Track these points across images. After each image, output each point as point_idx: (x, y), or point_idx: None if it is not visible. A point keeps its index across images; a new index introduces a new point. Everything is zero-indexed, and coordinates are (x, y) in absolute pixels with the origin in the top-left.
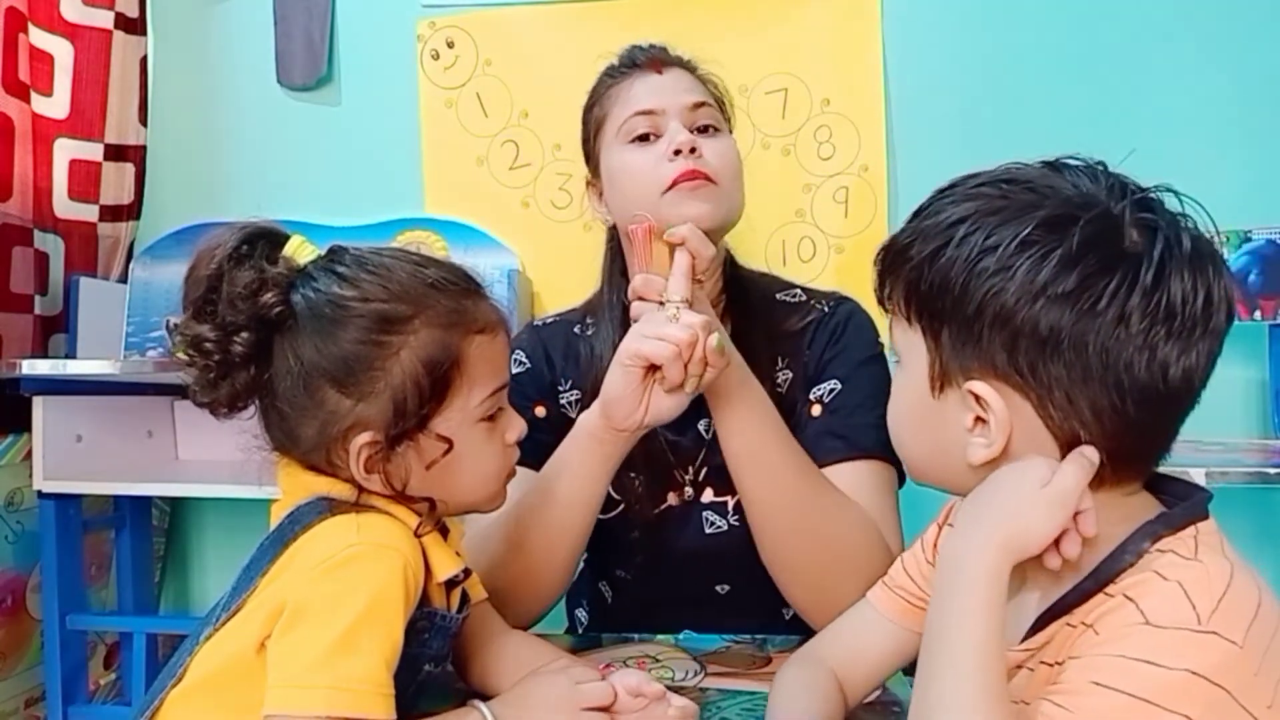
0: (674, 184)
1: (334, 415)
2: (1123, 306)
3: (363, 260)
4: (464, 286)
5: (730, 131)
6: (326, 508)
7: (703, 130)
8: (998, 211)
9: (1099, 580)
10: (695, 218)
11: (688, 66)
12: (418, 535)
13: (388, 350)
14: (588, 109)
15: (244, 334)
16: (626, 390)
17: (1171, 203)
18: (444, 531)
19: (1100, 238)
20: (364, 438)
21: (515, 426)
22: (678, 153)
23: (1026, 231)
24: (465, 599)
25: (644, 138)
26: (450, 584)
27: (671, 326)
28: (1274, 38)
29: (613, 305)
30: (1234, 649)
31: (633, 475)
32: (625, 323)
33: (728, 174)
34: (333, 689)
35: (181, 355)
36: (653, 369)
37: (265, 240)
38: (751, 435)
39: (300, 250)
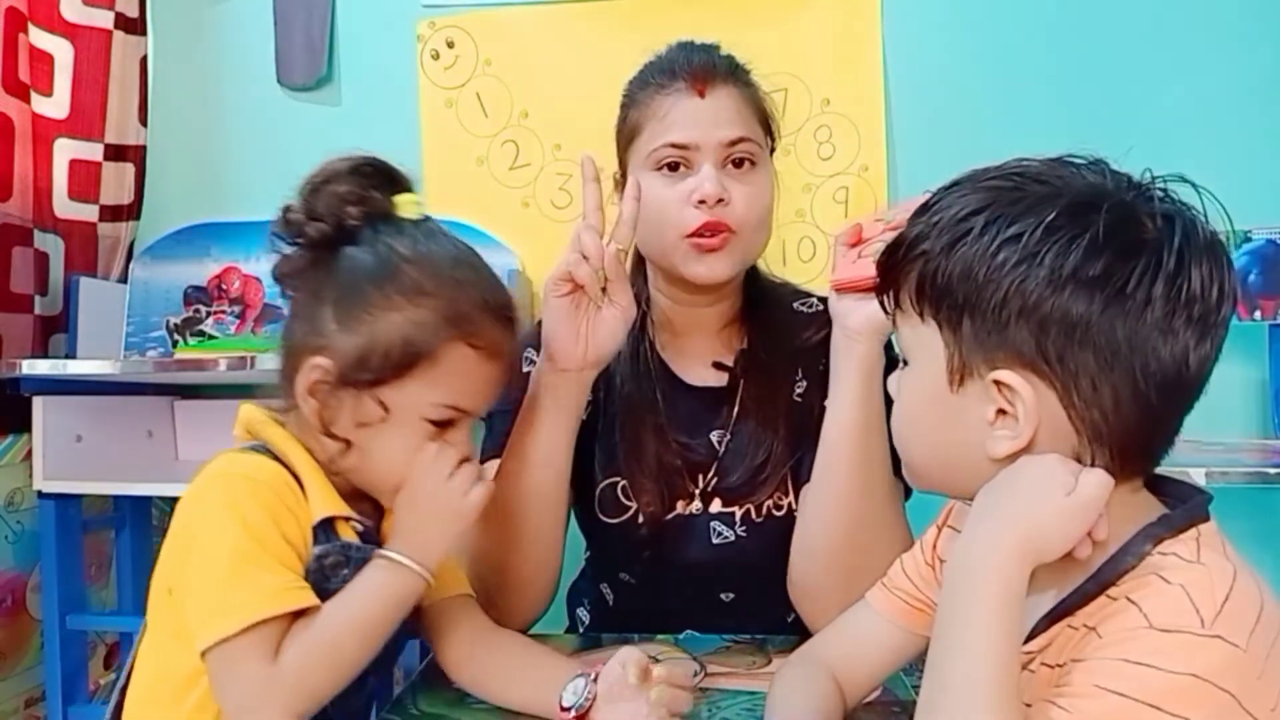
0: (692, 235)
1: (315, 329)
2: (1149, 291)
3: (433, 233)
4: (494, 306)
5: (773, 150)
6: (236, 447)
7: (738, 164)
8: (1016, 202)
9: (1100, 582)
10: (701, 276)
11: (736, 79)
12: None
13: (389, 305)
14: (623, 107)
15: (320, 224)
16: (560, 323)
17: (1185, 195)
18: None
19: (1122, 224)
20: (320, 359)
21: (460, 450)
22: (703, 202)
23: (1051, 218)
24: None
25: (674, 166)
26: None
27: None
28: (1274, 38)
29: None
30: (1237, 652)
31: (644, 481)
32: (645, 323)
33: (752, 222)
34: (249, 601)
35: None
36: (576, 290)
37: (386, 177)
38: (874, 410)
39: (405, 204)
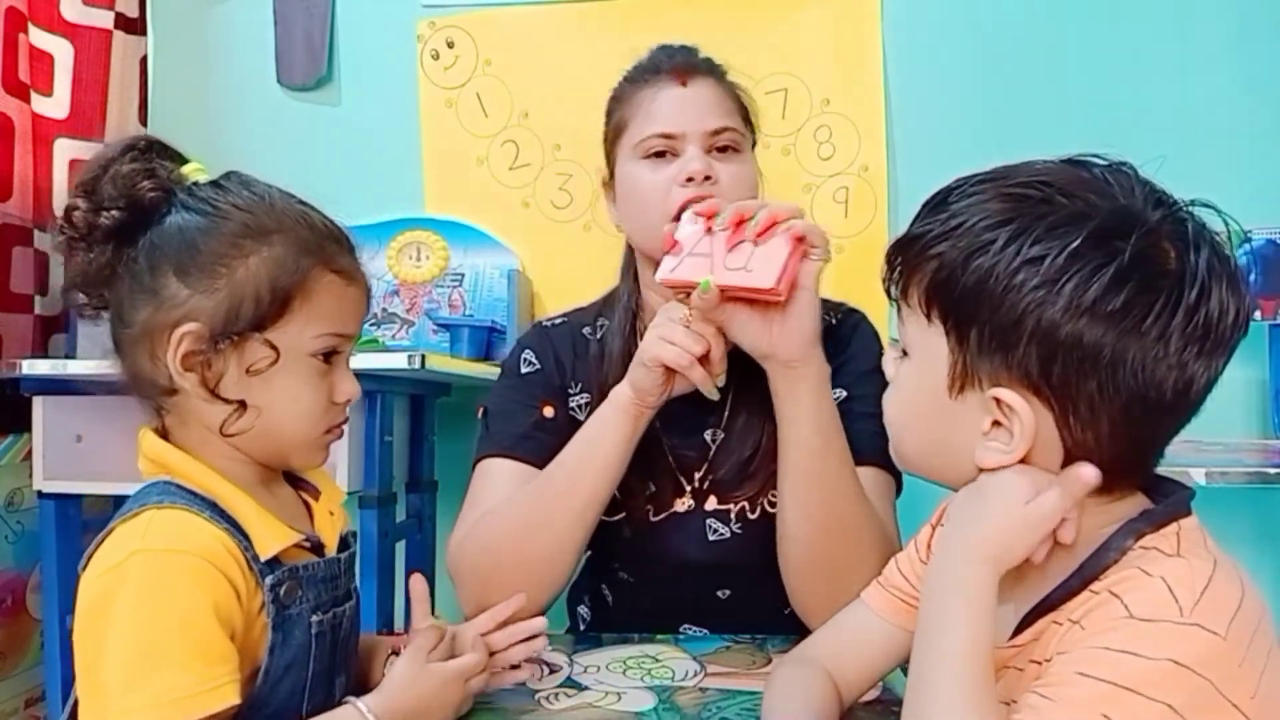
0: (681, 209)
1: (167, 302)
2: (1165, 326)
3: (248, 182)
4: (335, 234)
5: (754, 144)
6: (156, 496)
7: (722, 150)
8: (1042, 217)
9: (1084, 578)
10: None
11: (714, 74)
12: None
13: (240, 252)
14: (609, 109)
15: (114, 212)
16: (651, 383)
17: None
18: (315, 493)
19: (1146, 255)
20: (187, 327)
21: (347, 388)
22: (690, 179)
23: (1075, 244)
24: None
25: (660, 154)
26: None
27: (684, 334)
28: (1275, 38)
29: (627, 307)
30: (1217, 640)
31: (638, 480)
32: (635, 326)
33: (740, 200)
34: (151, 707)
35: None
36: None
37: (163, 152)
38: (828, 426)
39: (193, 172)
